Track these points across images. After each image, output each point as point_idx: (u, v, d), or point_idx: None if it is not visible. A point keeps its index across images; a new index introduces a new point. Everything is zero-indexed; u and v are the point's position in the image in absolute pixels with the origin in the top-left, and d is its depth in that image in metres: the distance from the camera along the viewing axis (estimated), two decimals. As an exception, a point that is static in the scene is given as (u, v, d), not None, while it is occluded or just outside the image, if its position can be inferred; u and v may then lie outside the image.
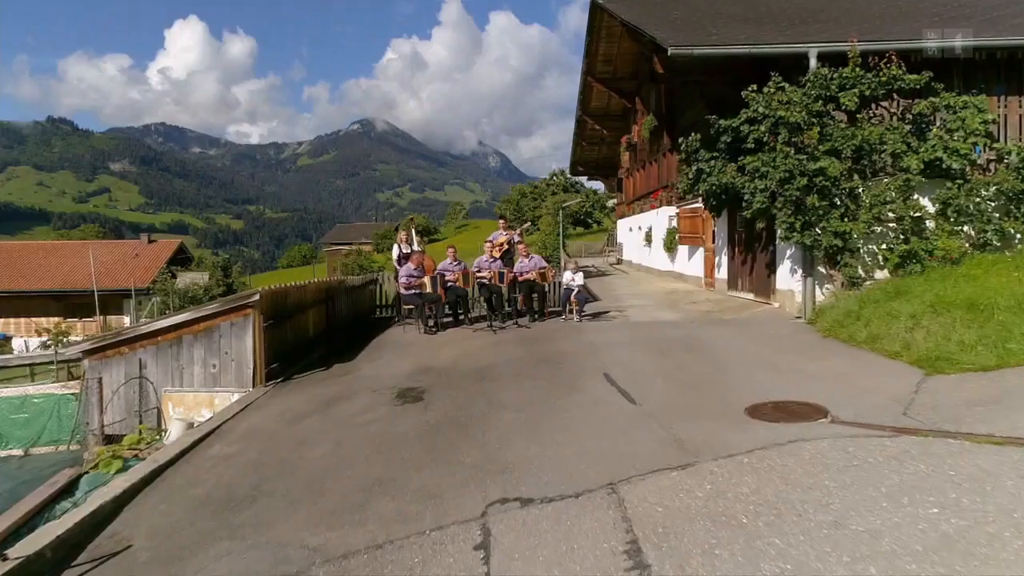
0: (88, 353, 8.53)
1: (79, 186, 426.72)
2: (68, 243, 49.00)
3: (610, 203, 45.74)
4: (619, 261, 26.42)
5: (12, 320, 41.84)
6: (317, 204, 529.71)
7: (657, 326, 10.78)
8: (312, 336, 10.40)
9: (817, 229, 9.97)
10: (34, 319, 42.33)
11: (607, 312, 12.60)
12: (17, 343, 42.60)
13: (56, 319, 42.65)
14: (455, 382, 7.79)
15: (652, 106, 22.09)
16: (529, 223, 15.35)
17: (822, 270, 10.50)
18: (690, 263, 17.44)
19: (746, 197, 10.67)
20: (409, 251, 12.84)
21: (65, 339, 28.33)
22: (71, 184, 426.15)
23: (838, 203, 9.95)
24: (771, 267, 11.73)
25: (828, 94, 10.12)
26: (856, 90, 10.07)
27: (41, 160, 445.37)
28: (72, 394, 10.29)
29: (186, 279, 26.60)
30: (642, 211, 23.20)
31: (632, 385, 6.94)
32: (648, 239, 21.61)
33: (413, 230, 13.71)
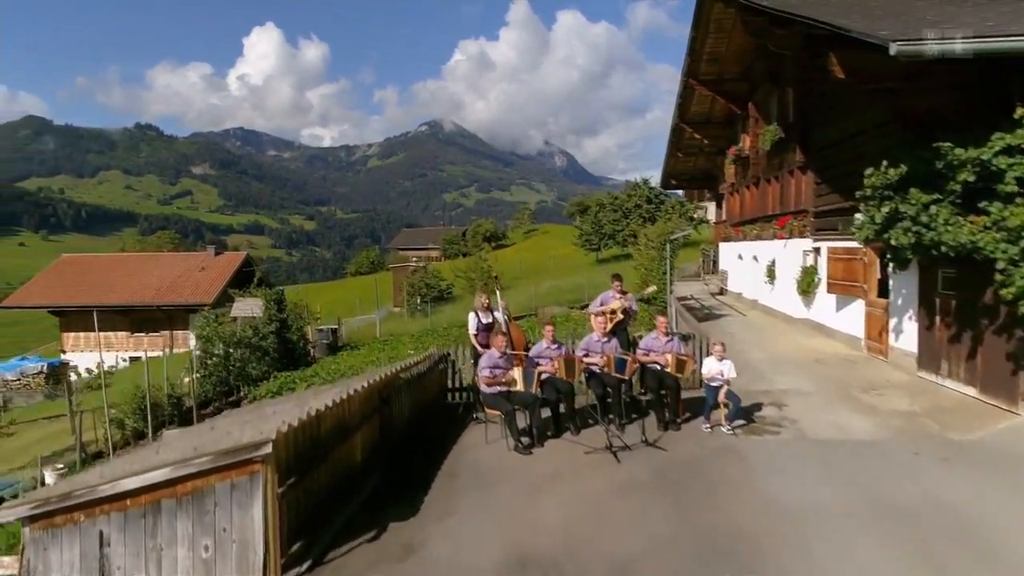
0: (30, 520, 5.78)
1: (163, 189, 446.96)
2: (137, 256, 48.63)
3: (698, 214, 41.47)
4: (722, 291, 22.69)
5: (82, 335, 41.41)
6: (386, 205, 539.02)
7: (856, 455, 7.29)
8: (360, 464, 7.40)
9: None
10: (103, 333, 41.84)
11: (759, 410, 9.16)
12: (86, 360, 42.17)
13: (124, 333, 42.10)
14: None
15: (774, 114, 18.37)
16: (654, 287, 11.89)
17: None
18: (840, 316, 13.70)
19: (1000, 266, 7.09)
20: (490, 321, 9.71)
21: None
22: (156, 187, 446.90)
23: None
24: (1019, 360, 8.02)
25: None
26: None
27: (129, 164, 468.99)
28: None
29: (242, 307, 24.43)
30: (759, 237, 19.44)
31: None
32: (771, 274, 17.87)
33: (499, 292, 10.48)
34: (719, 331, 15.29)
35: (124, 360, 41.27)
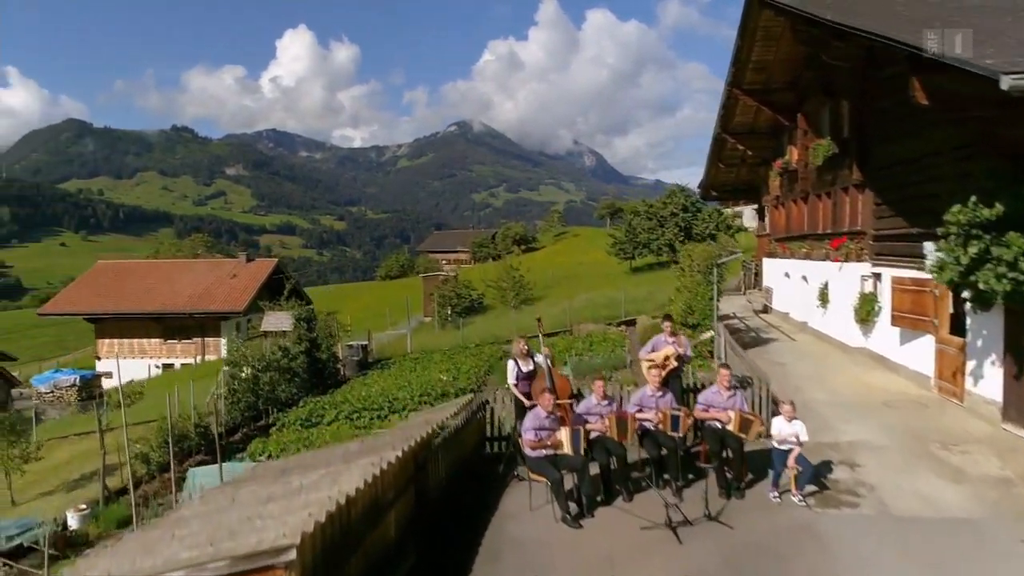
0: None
1: (198, 190, 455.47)
2: (170, 262, 48.99)
3: (735, 222, 40.27)
4: (767, 309, 21.67)
5: (116, 341, 41.77)
6: (415, 205, 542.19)
7: (951, 540, 6.42)
8: (394, 541, 6.73)
9: None
10: (136, 340, 42.16)
11: (830, 471, 8.29)
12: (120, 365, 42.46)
13: (157, 340, 42.36)
14: None
15: (826, 127, 17.38)
16: (710, 333, 11.04)
17: None
18: (906, 350, 12.69)
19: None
20: (531, 368, 8.97)
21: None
22: (191, 188, 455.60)
23: None
24: None
25: None
26: None
27: (165, 166, 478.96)
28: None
29: (272, 321, 24.13)
30: (808, 257, 18.41)
31: None
32: (823, 298, 16.85)
33: (541, 336, 9.69)
34: (769, 360, 14.36)
35: (157, 367, 41.56)
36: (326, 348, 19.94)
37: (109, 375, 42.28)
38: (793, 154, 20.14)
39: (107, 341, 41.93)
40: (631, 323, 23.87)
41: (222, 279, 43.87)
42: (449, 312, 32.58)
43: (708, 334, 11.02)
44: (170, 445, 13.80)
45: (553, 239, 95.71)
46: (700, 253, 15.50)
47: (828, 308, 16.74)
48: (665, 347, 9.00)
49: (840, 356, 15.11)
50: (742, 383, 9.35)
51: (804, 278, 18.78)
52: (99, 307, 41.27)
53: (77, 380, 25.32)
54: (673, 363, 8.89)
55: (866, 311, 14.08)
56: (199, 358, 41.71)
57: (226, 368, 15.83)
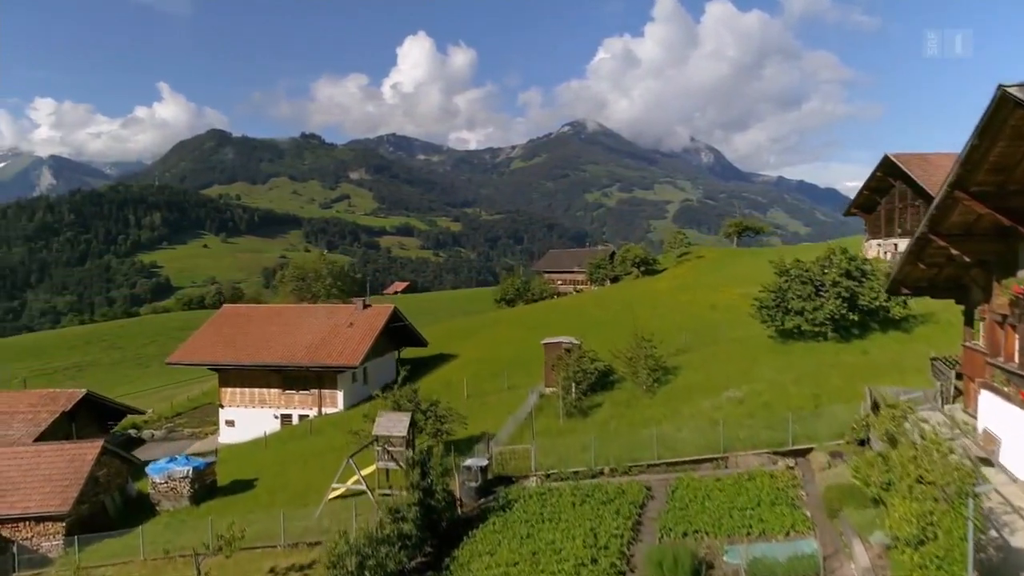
0: None
1: (324, 193, 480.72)
2: (290, 308, 49.12)
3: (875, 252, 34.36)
4: (989, 462, 16.88)
5: (238, 390, 42.11)
6: (528, 206, 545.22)
7: None
8: None
9: None
10: (257, 390, 42.33)
11: None
12: (241, 414, 42.82)
13: (276, 390, 42.31)
14: None
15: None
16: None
17: None
18: None
19: None
20: None
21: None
22: (318, 192, 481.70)
23: None
24: None
25: None
26: None
27: (295, 171, 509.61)
28: None
29: (385, 424, 22.12)
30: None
31: None
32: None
33: None
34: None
35: (275, 416, 41.50)
36: (441, 488, 17.44)
37: (232, 423, 42.88)
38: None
39: (230, 390, 42.35)
40: (801, 453, 19.61)
41: (339, 327, 43.33)
42: (573, 390, 29.59)
43: None
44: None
45: (675, 261, 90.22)
46: (940, 471, 10.68)
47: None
48: None
49: None
50: None
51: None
52: (222, 358, 41.78)
53: (190, 472, 24.43)
54: None
55: None
56: (316, 410, 41.31)
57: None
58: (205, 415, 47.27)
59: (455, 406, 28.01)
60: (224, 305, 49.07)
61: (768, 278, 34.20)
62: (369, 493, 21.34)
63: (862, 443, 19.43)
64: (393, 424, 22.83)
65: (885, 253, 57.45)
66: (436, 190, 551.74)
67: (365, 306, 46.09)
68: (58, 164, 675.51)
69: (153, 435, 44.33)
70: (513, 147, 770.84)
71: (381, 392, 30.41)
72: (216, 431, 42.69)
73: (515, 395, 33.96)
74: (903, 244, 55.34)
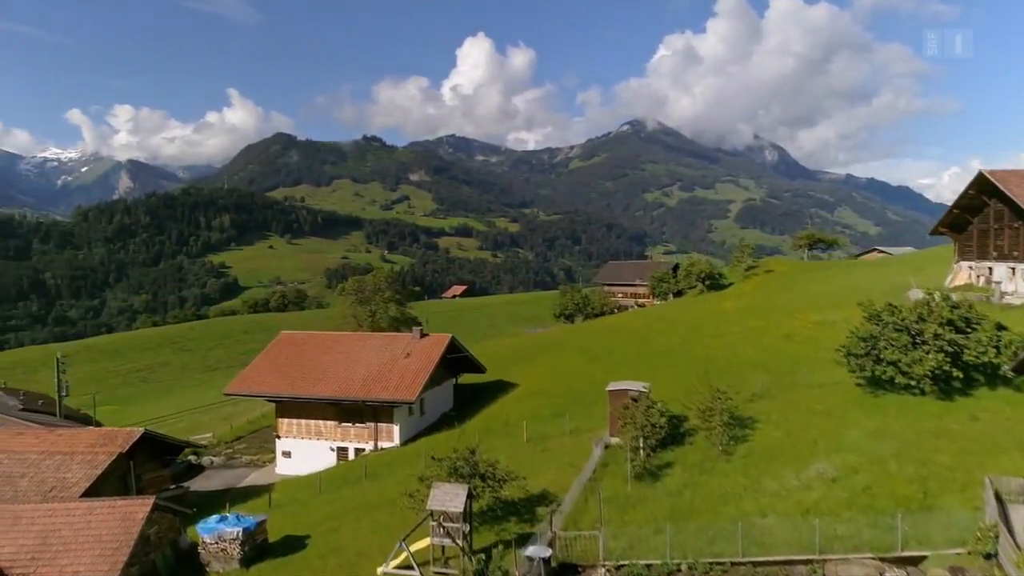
0: None
1: (385, 195, 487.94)
2: (345, 337, 48.33)
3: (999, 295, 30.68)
4: None
5: (294, 421, 41.54)
6: (586, 206, 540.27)
7: None
8: None
9: None
10: (313, 421, 41.69)
11: None
12: (298, 446, 42.34)
13: (332, 423, 41.57)
14: None
15: None
16: None
17: None
18: None
19: None
20: None
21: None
22: (379, 193, 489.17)
23: None
24: None
25: None
26: None
27: (357, 173, 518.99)
28: None
29: (440, 497, 20.61)
30: None
31: None
32: None
33: None
34: None
35: (332, 449, 40.77)
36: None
37: (288, 454, 42.37)
38: None
39: (287, 421, 41.82)
40: (912, 561, 16.92)
41: (396, 358, 42.30)
42: (642, 444, 27.41)
43: None
44: None
45: (743, 275, 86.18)
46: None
47: None
48: None
49: None
50: None
51: None
52: (278, 389, 41.29)
53: (240, 533, 23.49)
54: None
55: None
56: (372, 444, 40.43)
57: None
58: (263, 440, 47.00)
59: (514, 451, 26.32)
60: (282, 332, 48.65)
61: (847, 302, 31.05)
62: (419, 572, 19.90)
63: (988, 557, 16.72)
64: (449, 498, 21.26)
65: (979, 277, 52.71)
66: (495, 191, 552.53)
67: (422, 335, 44.93)
68: (135, 168, 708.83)
69: (212, 462, 44.29)
70: (572, 147, 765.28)
71: (436, 426, 28.80)
72: (273, 459, 42.29)
73: (577, 443, 31.91)
74: (1000, 268, 50.67)
